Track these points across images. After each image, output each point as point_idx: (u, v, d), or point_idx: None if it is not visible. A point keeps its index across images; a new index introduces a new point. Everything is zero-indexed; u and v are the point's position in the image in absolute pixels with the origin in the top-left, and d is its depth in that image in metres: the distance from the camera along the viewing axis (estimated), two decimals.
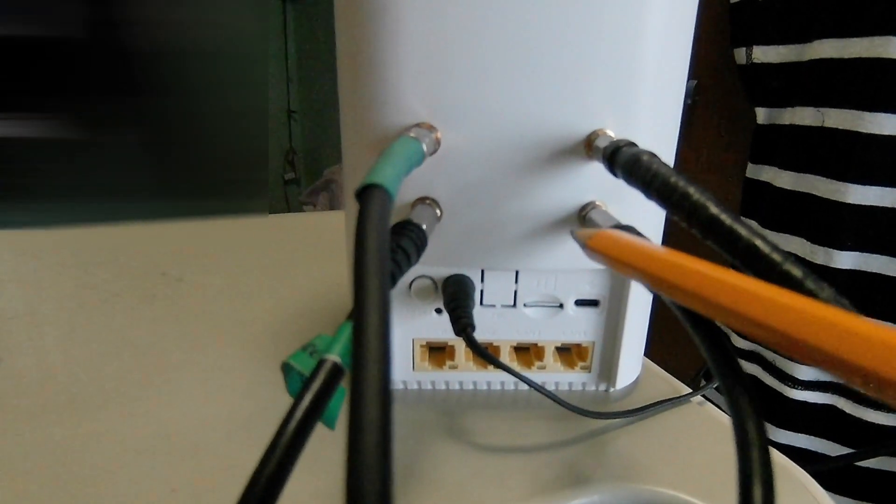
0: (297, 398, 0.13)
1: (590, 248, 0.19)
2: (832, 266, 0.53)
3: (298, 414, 0.13)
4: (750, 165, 0.64)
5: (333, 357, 0.14)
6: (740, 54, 0.62)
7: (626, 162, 0.19)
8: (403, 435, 0.25)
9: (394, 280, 0.18)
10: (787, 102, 0.58)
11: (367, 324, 0.12)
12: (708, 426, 0.26)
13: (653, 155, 0.19)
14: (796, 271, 0.14)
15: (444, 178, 0.23)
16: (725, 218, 0.15)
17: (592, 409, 0.25)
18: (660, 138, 0.24)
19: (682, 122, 0.25)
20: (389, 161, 0.17)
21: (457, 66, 0.21)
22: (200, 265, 0.45)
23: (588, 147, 0.22)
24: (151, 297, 0.39)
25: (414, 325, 0.27)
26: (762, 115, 0.62)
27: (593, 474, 0.23)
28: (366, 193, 0.15)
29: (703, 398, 0.28)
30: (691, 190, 0.17)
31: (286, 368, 0.15)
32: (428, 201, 0.23)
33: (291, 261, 0.47)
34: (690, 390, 0.28)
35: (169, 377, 0.29)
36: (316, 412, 0.13)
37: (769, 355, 0.60)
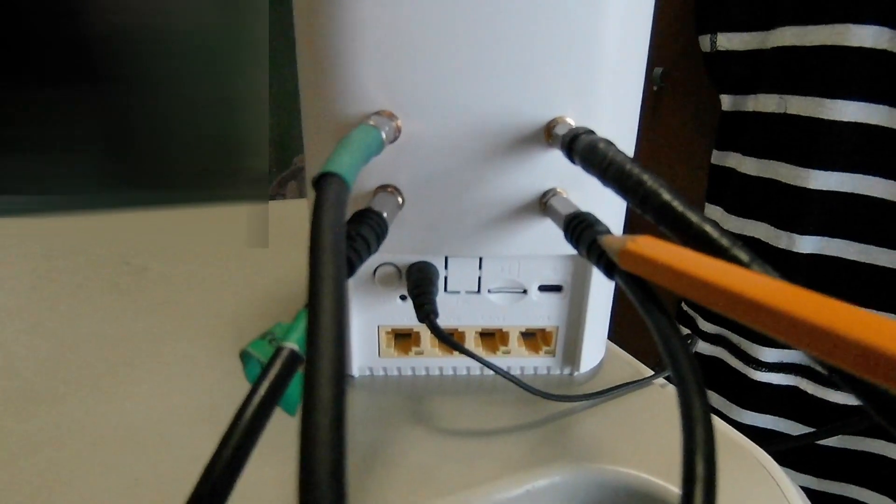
0: (255, 385, 0.13)
1: (630, 251, 0.16)
2: (795, 250, 0.55)
3: (255, 400, 0.13)
4: (715, 152, 0.65)
5: (290, 344, 0.14)
6: (705, 42, 0.63)
7: (583, 149, 0.20)
8: (369, 420, 0.25)
9: (353, 267, 0.18)
10: (751, 89, 0.60)
11: (320, 309, 0.12)
12: (670, 407, 0.27)
13: (609, 143, 0.19)
14: (744, 255, 0.14)
15: (406, 166, 0.23)
16: (677, 205, 0.16)
17: (556, 393, 0.25)
18: (620, 125, 0.24)
19: (648, 109, 0.26)
20: (347, 149, 0.17)
21: (417, 54, 0.21)
22: (165, 255, 0.45)
23: (548, 135, 0.23)
24: (114, 288, 0.38)
25: (379, 312, 0.27)
26: (727, 101, 0.63)
27: (557, 455, 0.23)
28: (322, 182, 0.16)
29: (665, 380, 0.29)
30: (645, 177, 0.17)
31: (245, 356, 0.15)
32: (389, 189, 0.23)
33: (258, 250, 0.47)
34: (652, 373, 0.29)
35: (132, 369, 0.29)
36: (273, 399, 0.13)
37: (734, 338, 0.61)
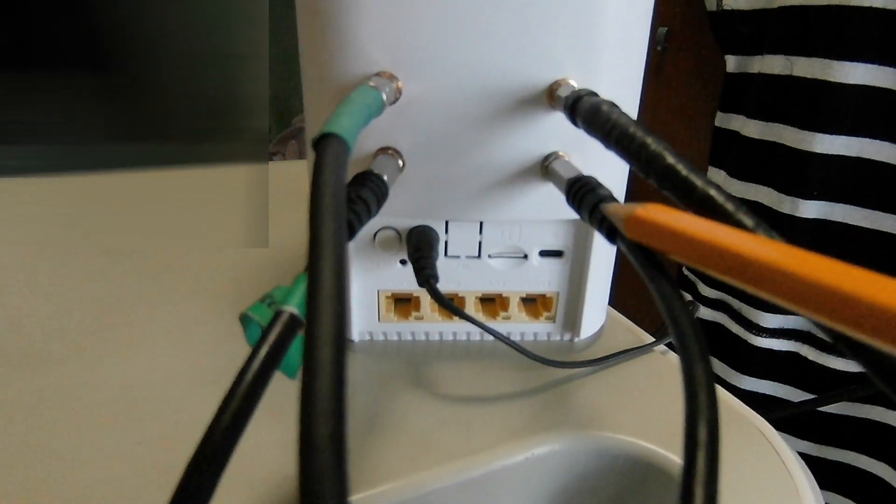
0: (254, 349, 0.13)
1: (639, 218, 0.16)
2: (798, 215, 0.55)
3: (255, 365, 0.13)
4: (719, 114, 0.64)
5: (290, 308, 0.14)
6: (710, 0, 0.62)
7: (586, 112, 0.19)
8: (368, 385, 0.26)
9: (353, 230, 0.18)
10: (756, 50, 0.59)
11: (320, 272, 0.12)
12: (670, 375, 0.27)
13: (613, 105, 0.19)
14: (748, 220, 0.14)
15: (406, 128, 0.23)
16: (681, 168, 0.16)
17: (556, 359, 0.26)
18: (623, 88, 0.24)
19: (651, 70, 0.25)
20: (347, 110, 0.17)
21: (418, 14, 0.21)
22: (164, 216, 0.45)
23: (550, 97, 0.22)
24: (114, 251, 0.38)
25: (379, 276, 0.27)
26: (732, 63, 0.62)
27: (556, 423, 0.23)
28: (322, 143, 0.15)
29: (665, 347, 0.29)
30: (649, 140, 0.17)
31: (245, 320, 0.15)
32: (390, 151, 0.23)
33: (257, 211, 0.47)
34: (654, 339, 0.29)
35: (132, 331, 0.29)
36: (272, 363, 0.13)
37: (735, 304, 0.62)
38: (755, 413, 0.26)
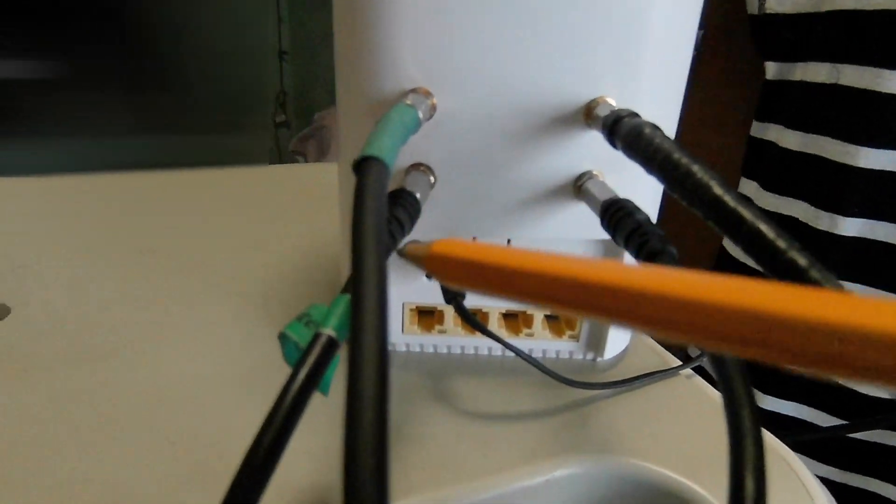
0: (293, 372, 0.14)
1: (434, 254, 0.16)
2: (836, 233, 0.55)
3: (295, 387, 0.14)
4: (755, 123, 0.65)
5: (328, 331, 0.15)
6: (752, 3, 0.62)
7: (626, 134, 0.20)
8: (393, 397, 0.26)
9: (388, 251, 0.19)
10: (799, 56, 0.59)
11: (365, 306, 0.13)
12: (695, 400, 0.28)
13: (655, 127, 0.20)
14: (802, 260, 0.15)
15: (439, 145, 0.23)
16: (729, 200, 0.16)
17: (578, 379, 0.26)
18: (664, 107, 0.25)
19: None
20: (386, 131, 0.18)
21: (455, 30, 0.22)
22: (195, 217, 0.47)
23: (587, 115, 0.23)
24: (148, 249, 0.40)
25: (405, 289, 0.28)
26: (772, 69, 0.62)
27: (577, 446, 0.24)
28: (363, 166, 0.16)
29: (691, 371, 0.30)
30: (695, 168, 0.17)
31: (283, 338, 0.16)
32: (422, 168, 0.24)
33: (283, 214, 0.48)
34: (679, 363, 0.30)
35: (166, 332, 0.31)
36: (311, 385, 0.14)
37: None
38: (775, 437, 0.26)
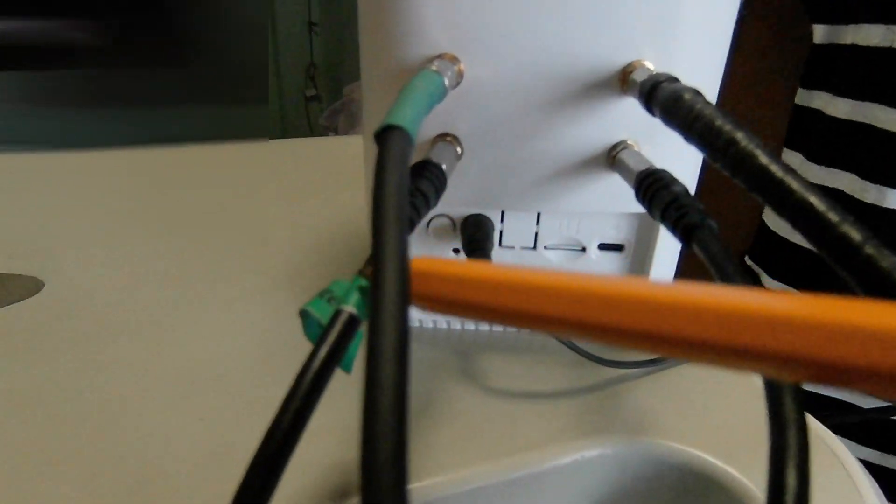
0: (314, 350, 0.14)
1: (416, 272, 0.13)
2: (884, 206, 0.53)
3: (315, 365, 0.14)
4: (800, 91, 0.62)
5: (349, 308, 0.14)
6: None
7: (665, 100, 0.19)
8: (418, 374, 0.26)
9: (412, 225, 0.18)
10: (851, 18, 0.56)
11: (384, 285, 0.12)
12: (730, 379, 0.27)
13: (697, 93, 0.18)
14: (855, 234, 0.13)
15: (466, 114, 0.23)
16: (776, 170, 0.15)
17: (610, 358, 0.26)
18: (704, 72, 0.23)
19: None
20: (410, 100, 0.17)
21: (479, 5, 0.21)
22: (224, 191, 0.47)
23: (623, 81, 0.22)
24: (179, 226, 0.40)
25: None
26: (820, 32, 0.59)
27: (608, 425, 0.24)
28: (385, 136, 0.16)
29: None
30: (739, 136, 0.16)
31: (303, 315, 0.16)
32: (448, 138, 0.23)
33: (311, 188, 0.48)
34: None
35: (195, 308, 0.31)
36: (332, 363, 0.14)
37: None
38: (816, 420, 0.25)
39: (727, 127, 0.17)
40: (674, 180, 0.20)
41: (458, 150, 0.23)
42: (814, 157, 0.59)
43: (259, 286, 0.33)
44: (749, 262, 0.68)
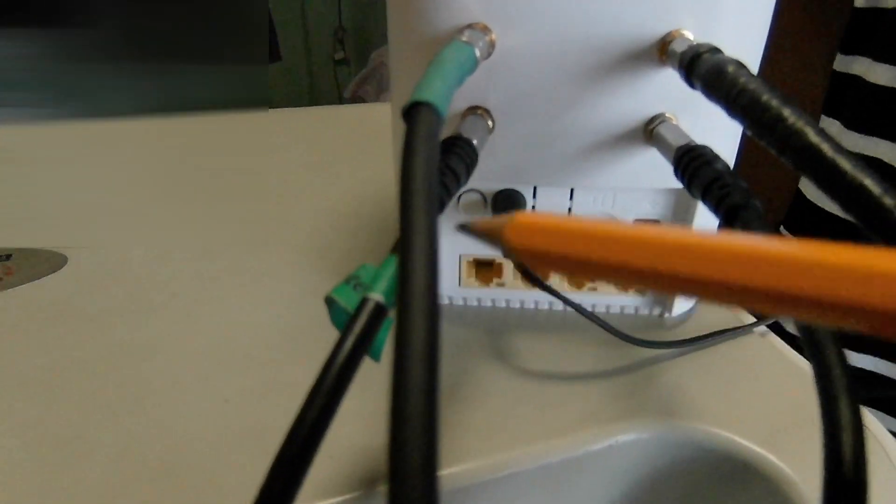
0: (340, 339, 0.13)
1: (519, 225, 0.12)
2: None
3: (341, 356, 0.13)
4: (839, 56, 0.59)
5: (376, 296, 0.14)
6: None
7: (707, 72, 0.18)
8: (447, 354, 0.25)
9: (442, 205, 0.17)
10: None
11: (413, 274, 0.11)
12: (770, 361, 0.25)
13: (740, 65, 0.17)
14: None
15: (499, 86, 0.21)
16: (827, 149, 0.14)
17: (645, 338, 0.24)
18: (747, 41, 0.22)
19: None
20: (439, 73, 0.16)
21: None
22: (245, 161, 0.46)
23: (662, 51, 0.20)
24: (204, 196, 0.39)
25: (461, 240, 0.26)
26: (862, 63, 0.56)
27: (643, 409, 0.23)
28: (413, 112, 0.14)
29: (766, 328, 0.27)
30: (786, 112, 0.15)
31: (329, 302, 0.15)
32: (479, 111, 0.22)
33: (337, 158, 0.47)
34: (754, 319, 0.27)
35: (220, 283, 0.30)
36: (359, 352, 0.13)
37: None
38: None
39: (774, 102, 0.15)
40: (715, 157, 0.18)
41: (490, 123, 0.22)
42: (852, 124, 0.56)
43: (287, 258, 0.32)
44: (784, 231, 0.66)
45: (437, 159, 0.14)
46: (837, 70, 0.59)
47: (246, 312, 0.28)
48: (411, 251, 0.12)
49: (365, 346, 0.13)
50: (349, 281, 0.15)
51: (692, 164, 0.18)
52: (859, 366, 0.58)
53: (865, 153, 0.54)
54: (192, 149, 0.48)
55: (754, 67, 0.22)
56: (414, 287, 0.11)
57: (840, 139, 0.57)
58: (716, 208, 0.17)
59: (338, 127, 0.57)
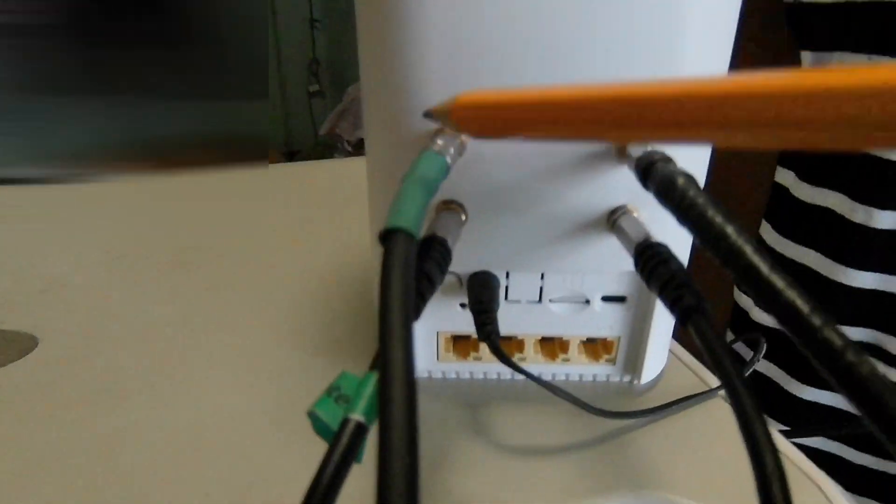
0: (324, 460, 0.14)
1: (462, 102, 0.18)
2: (872, 226, 0.52)
3: (326, 476, 0.14)
4: None
5: (357, 416, 0.14)
6: None
7: (660, 182, 0.19)
8: (428, 430, 0.26)
9: (418, 312, 0.18)
10: (836, 46, 0.55)
11: (391, 404, 0.12)
12: (734, 423, 0.26)
13: (690, 178, 0.18)
14: (837, 340, 0.14)
15: (471, 183, 0.22)
16: (763, 268, 0.15)
17: (614, 408, 0.25)
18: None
19: None
20: (412, 194, 0.17)
21: (485, 66, 0.21)
22: (221, 225, 0.46)
23: (620, 153, 0.22)
24: (178, 265, 0.40)
25: (438, 318, 0.27)
26: (808, 59, 0.59)
27: (614, 479, 0.23)
28: (389, 239, 0.15)
29: None
30: (729, 230, 0.16)
31: (312, 416, 0.16)
32: (453, 206, 0.23)
33: (315, 221, 0.48)
34: (718, 383, 0.28)
35: (197, 364, 0.30)
36: (343, 471, 0.14)
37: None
38: (818, 469, 0.25)
39: (718, 219, 0.16)
40: (671, 256, 0.20)
41: (463, 217, 0.23)
42: (805, 176, 0.58)
43: (266, 334, 0.32)
44: (737, 299, 0.67)
45: (413, 283, 0.15)
46: None
47: (224, 395, 0.28)
48: (390, 380, 0.13)
49: (348, 464, 0.14)
50: (330, 393, 0.16)
51: (650, 262, 0.20)
52: (823, 402, 0.59)
53: (817, 202, 0.56)
54: (163, 213, 0.48)
55: (702, 166, 0.24)
56: (394, 428, 0.12)
57: (794, 190, 0.59)
58: (671, 307, 0.18)
59: (315, 184, 0.57)
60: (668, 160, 0.19)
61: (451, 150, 0.20)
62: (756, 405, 0.15)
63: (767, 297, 0.15)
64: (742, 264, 0.16)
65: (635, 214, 0.23)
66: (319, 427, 0.16)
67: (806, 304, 0.14)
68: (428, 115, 0.20)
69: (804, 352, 0.14)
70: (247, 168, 0.58)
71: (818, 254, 0.56)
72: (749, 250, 0.16)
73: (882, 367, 0.55)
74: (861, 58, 0.51)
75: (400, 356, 0.13)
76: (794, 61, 0.60)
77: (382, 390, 0.13)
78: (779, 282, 0.15)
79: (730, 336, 0.66)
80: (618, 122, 0.15)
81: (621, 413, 0.26)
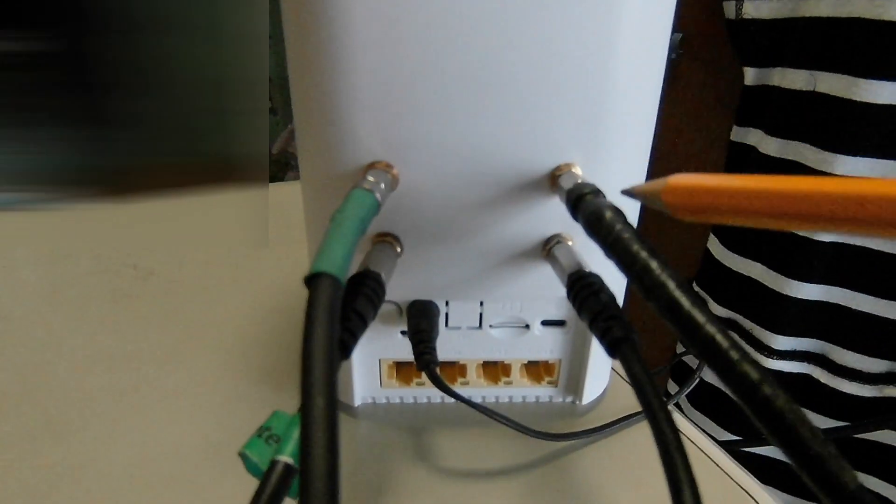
0: (252, 501, 0.14)
1: (674, 186, 0.17)
2: (817, 238, 0.54)
3: None
4: (735, 128, 0.63)
5: (285, 458, 0.15)
6: (729, 7, 0.60)
7: (588, 216, 0.19)
8: (371, 456, 0.26)
9: (348, 350, 0.18)
10: (777, 62, 0.58)
11: (312, 442, 0.12)
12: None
13: (617, 212, 0.19)
14: (754, 374, 0.14)
15: (405, 216, 0.23)
16: (685, 302, 0.16)
17: (556, 429, 0.26)
18: (632, 167, 0.24)
19: (664, 79, 0.24)
20: (339, 237, 0.17)
21: (413, 102, 0.21)
22: (170, 254, 0.45)
23: (553, 183, 0.22)
24: (125, 296, 0.39)
25: (380, 346, 0.27)
26: (751, 74, 0.61)
27: (556, 502, 0.24)
28: (315, 283, 0.16)
29: (673, 407, 0.29)
30: (653, 265, 0.17)
31: (243, 456, 0.16)
32: (388, 238, 0.23)
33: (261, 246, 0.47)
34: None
35: (141, 397, 0.30)
36: None
37: (747, 324, 0.61)
38: (757, 483, 0.26)
39: (643, 254, 0.17)
40: (602, 287, 0.20)
41: (398, 249, 0.23)
42: None
43: (211, 364, 0.32)
44: (697, 287, 0.69)
45: (337, 329, 0.15)
46: (734, 140, 0.64)
47: (168, 429, 0.28)
48: (310, 427, 0.13)
49: (278, 502, 0.14)
50: (261, 433, 0.16)
51: (581, 293, 0.20)
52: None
53: None
54: (108, 242, 0.47)
55: (642, 169, 0.24)
56: (315, 464, 0.12)
57: None
58: (601, 338, 0.19)
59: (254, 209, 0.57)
60: (598, 193, 0.20)
61: (382, 186, 0.21)
62: (677, 439, 0.16)
63: (688, 331, 0.16)
64: (665, 298, 0.16)
65: (570, 243, 0.23)
66: (251, 466, 0.16)
67: (725, 339, 0.15)
68: (628, 192, 0.19)
69: (723, 384, 0.15)
70: (203, 191, 0.57)
71: (763, 266, 0.58)
72: (672, 285, 0.16)
73: (827, 377, 0.57)
74: (802, 73, 0.53)
75: (321, 404, 0.13)
76: (738, 77, 0.62)
77: (303, 442, 0.13)
78: (700, 316, 0.15)
79: (680, 348, 0.68)
80: (829, 217, 0.14)
81: (560, 434, 0.26)
